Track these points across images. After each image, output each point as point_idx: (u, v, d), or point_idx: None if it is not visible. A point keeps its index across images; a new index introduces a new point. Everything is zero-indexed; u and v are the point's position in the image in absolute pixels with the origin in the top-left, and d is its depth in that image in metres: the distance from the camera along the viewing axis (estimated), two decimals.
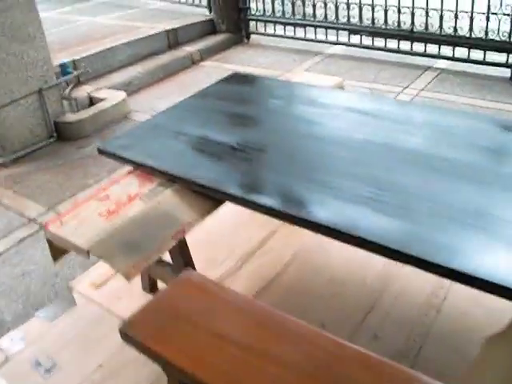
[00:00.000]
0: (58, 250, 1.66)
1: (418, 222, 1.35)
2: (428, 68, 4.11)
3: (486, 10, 3.65)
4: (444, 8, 3.86)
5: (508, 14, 3.58)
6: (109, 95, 3.68)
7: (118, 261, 1.46)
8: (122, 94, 3.68)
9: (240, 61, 4.67)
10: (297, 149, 1.78)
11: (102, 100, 3.61)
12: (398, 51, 4.26)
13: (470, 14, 3.75)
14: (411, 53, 4.18)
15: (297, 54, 4.72)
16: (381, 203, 1.44)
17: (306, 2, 4.61)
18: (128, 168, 1.88)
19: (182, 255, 1.67)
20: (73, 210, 1.66)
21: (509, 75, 3.78)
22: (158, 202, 1.64)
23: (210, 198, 1.66)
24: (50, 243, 1.65)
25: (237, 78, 2.42)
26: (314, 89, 2.29)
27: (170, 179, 1.72)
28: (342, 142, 1.80)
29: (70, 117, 3.45)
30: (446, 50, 4.02)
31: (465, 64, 3.98)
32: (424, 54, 4.13)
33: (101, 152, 1.93)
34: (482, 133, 1.83)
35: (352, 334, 1.85)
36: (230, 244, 2.36)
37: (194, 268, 1.74)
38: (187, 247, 1.70)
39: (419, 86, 3.81)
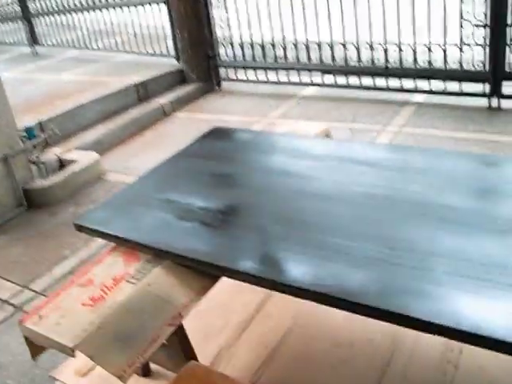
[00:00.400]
0: (36, 346, 1.46)
1: (440, 285, 1.21)
2: (405, 103, 4.06)
3: (459, 41, 3.65)
4: (417, 42, 3.86)
5: (481, 45, 3.59)
6: (80, 156, 3.49)
7: (109, 360, 1.27)
8: (94, 155, 3.50)
9: (214, 109, 4.56)
10: (290, 208, 1.63)
11: (72, 162, 3.43)
12: (373, 88, 4.22)
13: (443, 46, 3.74)
14: (387, 89, 4.15)
15: (271, 99, 4.64)
16: (394, 265, 1.30)
17: (277, 45, 4.57)
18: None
19: (181, 341, 1.48)
20: (52, 301, 1.46)
21: (486, 105, 3.77)
22: (148, 283, 1.45)
23: (204, 273, 1.50)
24: (28, 339, 1.44)
25: (217, 133, 2.29)
26: (300, 140, 2.17)
27: (158, 255, 1.55)
28: (340, 196, 1.66)
29: (40, 183, 3.25)
30: (422, 84, 3.99)
31: (442, 96, 3.95)
32: (400, 89, 4.09)
33: (79, 228, 1.74)
34: (483, 175, 1.73)
35: None
36: (225, 311, 2.16)
37: (193, 353, 1.55)
38: (184, 331, 1.51)
39: (399, 122, 3.75)
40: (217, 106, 4.67)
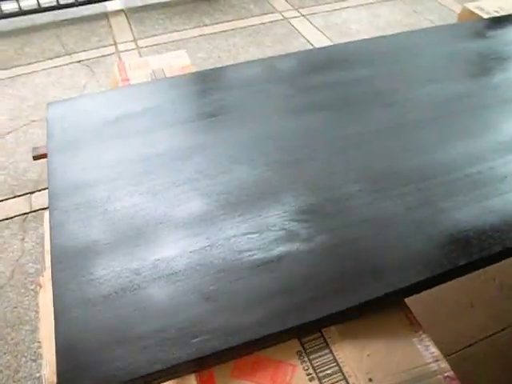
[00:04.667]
0: None
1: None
2: (103, 16, 3.31)
3: None
4: None
5: None
6: None
7: None
8: None
9: None
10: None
11: None
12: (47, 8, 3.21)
13: None
14: (68, 5, 3.23)
15: None
16: None
17: None
18: None
19: None
20: None
21: None
22: None
23: None
24: None
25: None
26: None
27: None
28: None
29: None
30: None
31: None
32: (89, 1, 3.27)
33: None
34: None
35: None
36: None
37: None
38: None
39: (125, 37, 3.04)
40: None
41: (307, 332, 0.82)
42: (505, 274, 1.63)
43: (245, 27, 3.04)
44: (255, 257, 0.88)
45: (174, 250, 0.90)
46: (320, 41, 2.85)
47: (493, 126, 1.20)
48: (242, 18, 3.14)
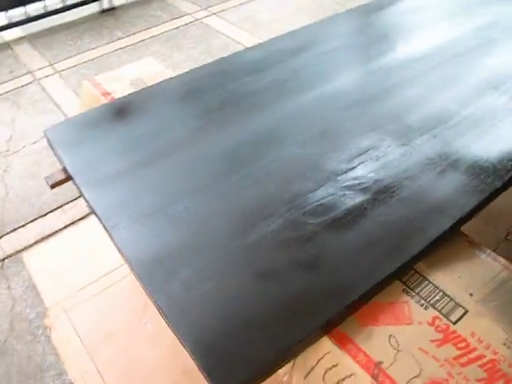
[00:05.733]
0: None
1: None
2: (6, 46, 3.12)
3: None
4: None
5: None
6: None
7: None
8: None
9: None
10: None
11: None
12: None
13: None
14: None
15: None
16: None
17: None
18: None
19: None
20: None
21: (99, 9, 3.35)
22: None
23: None
24: None
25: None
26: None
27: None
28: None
29: None
30: (13, 14, 3.10)
31: (42, 21, 3.22)
32: None
33: None
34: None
35: None
36: None
37: None
38: None
39: (41, 63, 2.90)
40: None
41: (405, 271, 0.90)
42: None
43: (160, 34, 3.03)
44: (332, 220, 0.95)
45: (255, 235, 0.94)
46: (240, 34, 2.93)
47: (467, 72, 1.36)
48: (155, 26, 3.13)
